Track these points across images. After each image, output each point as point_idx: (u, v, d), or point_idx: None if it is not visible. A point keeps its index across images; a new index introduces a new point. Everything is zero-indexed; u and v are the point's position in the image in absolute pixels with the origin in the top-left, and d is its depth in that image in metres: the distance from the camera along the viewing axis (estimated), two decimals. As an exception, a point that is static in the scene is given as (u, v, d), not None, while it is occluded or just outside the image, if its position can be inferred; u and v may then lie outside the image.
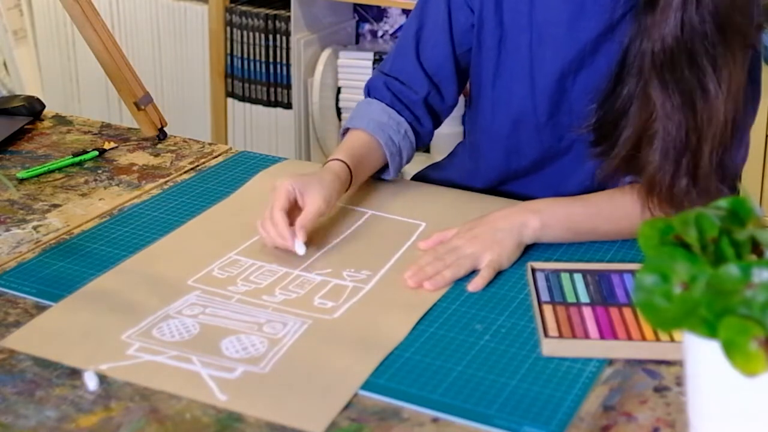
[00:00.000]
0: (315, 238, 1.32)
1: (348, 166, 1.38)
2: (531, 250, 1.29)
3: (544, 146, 1.44)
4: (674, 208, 1.25)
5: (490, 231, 1.26)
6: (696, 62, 1.22)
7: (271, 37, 2.89)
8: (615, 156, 1.30)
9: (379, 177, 1.48)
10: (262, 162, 1.58)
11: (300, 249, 1.26)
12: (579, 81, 1.37)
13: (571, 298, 1.17)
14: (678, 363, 1.04)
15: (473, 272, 1.23)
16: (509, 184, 1.51)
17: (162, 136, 1.67)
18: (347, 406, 0.99)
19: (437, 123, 1.53)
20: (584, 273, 1.22)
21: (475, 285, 1.20)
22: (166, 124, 1.69)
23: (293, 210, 1.29)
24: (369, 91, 1.51)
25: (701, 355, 0.81)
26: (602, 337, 1.09)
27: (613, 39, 1.33)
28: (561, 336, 1.09)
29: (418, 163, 1.89)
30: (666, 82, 1.23)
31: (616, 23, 1.32)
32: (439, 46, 1.46)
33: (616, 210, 1.31)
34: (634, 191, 1.31)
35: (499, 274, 1.24)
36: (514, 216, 1.28)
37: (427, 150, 2.83)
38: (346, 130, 1.47)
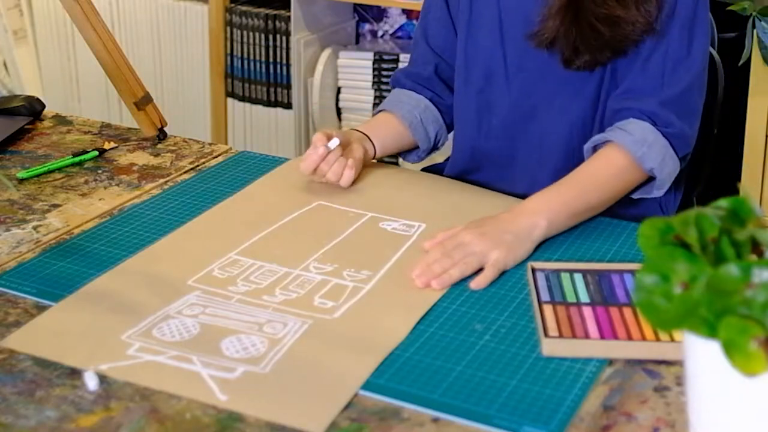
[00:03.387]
0: (315, 238, 1.32)
1: (363, 133, 1.51)
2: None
3: (513, 101, 1.49)
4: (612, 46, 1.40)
5: (499, 232, 1.26)
6: None
7: (271, 37, 2.88)
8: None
9: (409, 153, 1.61)
10: (262, 162, 1.58)
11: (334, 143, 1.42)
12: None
13: (571, 298, 1.17)
14: (678, 363, 1.04)
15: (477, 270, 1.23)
16: (484, 168, 1.55)
17: (162, 136, 1.67)
18: (347, 406, 0.99)
19: None
20: (584, 273, 1.22)
21: (477, 283, 1.20)
22: (166, 124, 1.69)
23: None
24: (393, 85, 1.62)
25: (701, 355, 0.81)
26: (602, 337, 1.09)
27: None
28: (561, 336, 1.09)
29: (419, 162, 1.89)
30: None
31: None
32: (441, 23, 1.56)
33: (598, 177, 1.36)
34: (603, 151, 1.38)
35: (500, 274, 1.24)
36: (519, 220, 1.29)
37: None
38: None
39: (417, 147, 1.58)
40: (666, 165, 1.37)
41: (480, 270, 1.23)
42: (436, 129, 1.58)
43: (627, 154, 1.36)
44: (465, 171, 1.57)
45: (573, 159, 1.45)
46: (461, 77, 1.54)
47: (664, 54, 1.38)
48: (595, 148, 1.41)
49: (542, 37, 1.40)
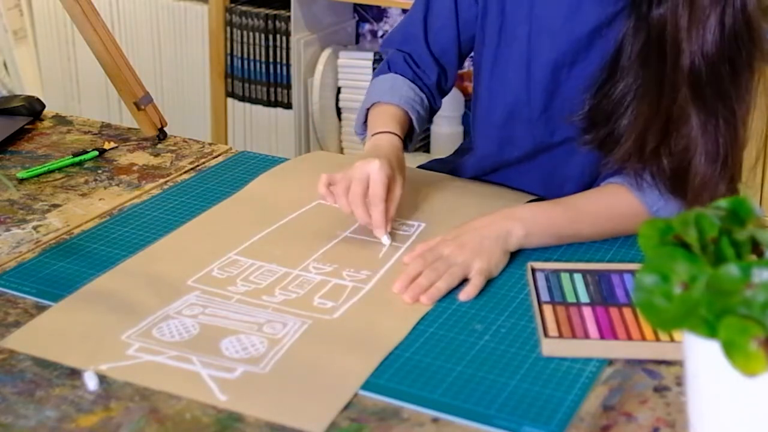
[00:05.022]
0: (315, 238, 1.32)
1: (403, 141, 1.43)
2: (531, 250, 1.29)
3: (536, 140, 1.45)
4: None
5: (477, 239, 1.25)
6: (735, 69, 1.24)
7: (271, 37, 2.89)
8: (620, 148, 1.30)
9: None
10: (262, 162, 1.58)
11: (387, 241, 1.30)
12: (573, 75, 1.38)
13: (571, 298, 1.17)
14: (678, 363, 1.04)
15: (464, 280, 1.22)
16: (502, 172, 1.51)
17: (162, 136, 1.67)
18: (347, 406, 0.99)
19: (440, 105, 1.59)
20: (584, 273, 1.22)
21: (466, 294, 1.19)
22: (166, 124, 1.69)
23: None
24: (389, 65, 1.54)
25: (701, 355, 0.81)
26: (602, 337, 1.09)
27: (608, 35, 1.33)
28: (561, 336, 1.09)
29: (419, 161, 1.89)
30: (706, 97, 1.23)
31: (612, 18, 1.33)
32: (445, 30, 1.51)
33: (597, 212, 1.32)
34: (613, 192, 1.33)
35: (498, 274, 1.24)
36: (498, 224, 1.27)
37: (427, 150, 2.83)
38: (372, 104, 1.50)
39: None
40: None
41: (465, 280, 1.22)
42: (424, 129, 1.56)
43: (640, 205, 1.30)
44: (485, 173, 1.54)
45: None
46: (484, 102, 1.49)
47: None
48: None
49: (609, 164, 1.32)
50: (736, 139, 1.25)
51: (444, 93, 1.57)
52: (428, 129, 2.82)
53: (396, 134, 1.42)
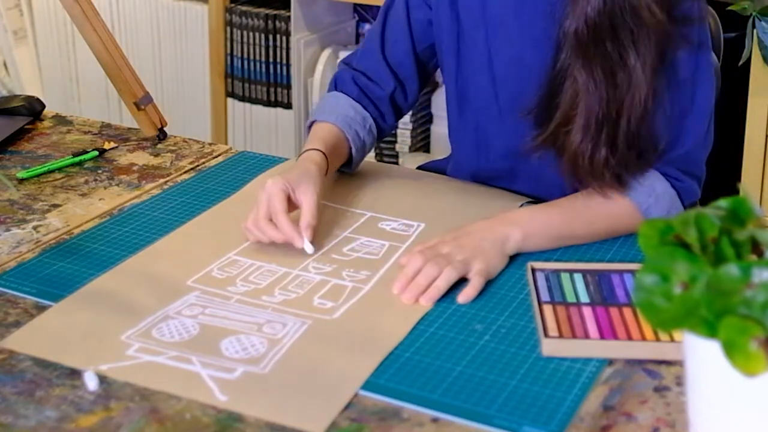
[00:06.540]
0: (315, 239, 1.32)
1: (325, 156, 1.40)
2: (531, 250, 1.29)
3: (509, 141, 1.43)
4: (596, 179, 1.30)
5: (476, 240, 1.25)
6: (617, 35, 1.26)
7: (271, 37, 2.88)
8: (544, 132, 1.32)
9: (340, 170, 1.50)
10: (262, 162, 1.58)
11: (309, 248, 1.27)
12: (532, 70, 1.37)
13: (571, 298, 1.17)
14: (678, 363, 1.04)
15: (462, 282, 1.21)
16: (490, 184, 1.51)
17: (162, 136, 1.67)
18: (347, 406, 0.99)
19: (399, 119, 1.57)
20: (584, 273, 1.22)
21: (465, 296, 1.18)
22: (166, 124, 1.69)
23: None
24: (336, 83, 1.54)
25: (701, 355, 0.81)
26: (602, 337, 1.09)
27: (555, 24, 1.33)
28: (561, 336, 1.09)
29: (419, 161, 1.89)
30: (589, 58, 1.26)
31: (554, 7, 1.32)
32: (399, 43, 1.51)
33: (591, 212, 1.32)
34: (603, 192, 1.33)
35: (498, 274, 1.24)
36: (496, 228, 1.28)
37: (427, 150, 2.83)
38: (312, 123, 1.50)
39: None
40: (670, 215, 1.32)
41: (464, 281, 1.21)
42: (370, 148, 1.53)
43: (630, 204, 1.31)
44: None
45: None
46: (454, 108, 1.49)
47: (667, 119, 1.32)
48: None
49: (553, 145, 1.33)
50: (614, 102, 1.27)
51: (401, 109, 1.54)
52: (428, 129, 2.82)
53: (316, 149, 1.40)
